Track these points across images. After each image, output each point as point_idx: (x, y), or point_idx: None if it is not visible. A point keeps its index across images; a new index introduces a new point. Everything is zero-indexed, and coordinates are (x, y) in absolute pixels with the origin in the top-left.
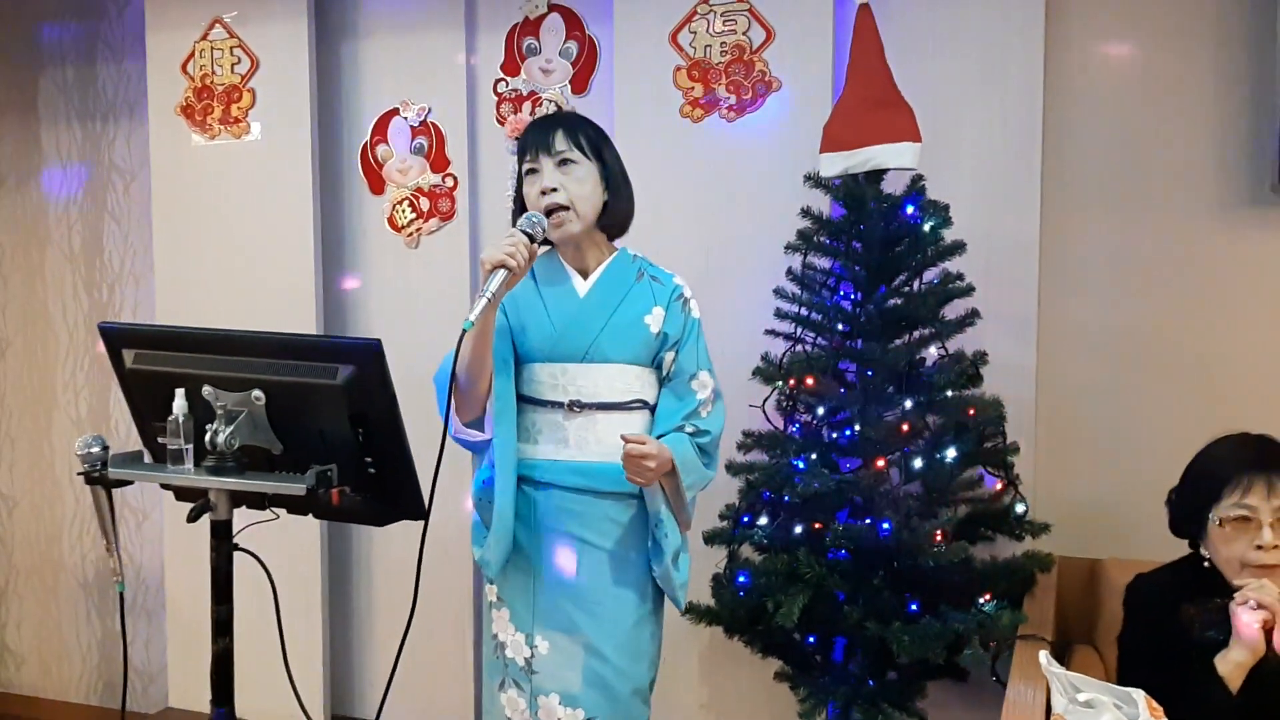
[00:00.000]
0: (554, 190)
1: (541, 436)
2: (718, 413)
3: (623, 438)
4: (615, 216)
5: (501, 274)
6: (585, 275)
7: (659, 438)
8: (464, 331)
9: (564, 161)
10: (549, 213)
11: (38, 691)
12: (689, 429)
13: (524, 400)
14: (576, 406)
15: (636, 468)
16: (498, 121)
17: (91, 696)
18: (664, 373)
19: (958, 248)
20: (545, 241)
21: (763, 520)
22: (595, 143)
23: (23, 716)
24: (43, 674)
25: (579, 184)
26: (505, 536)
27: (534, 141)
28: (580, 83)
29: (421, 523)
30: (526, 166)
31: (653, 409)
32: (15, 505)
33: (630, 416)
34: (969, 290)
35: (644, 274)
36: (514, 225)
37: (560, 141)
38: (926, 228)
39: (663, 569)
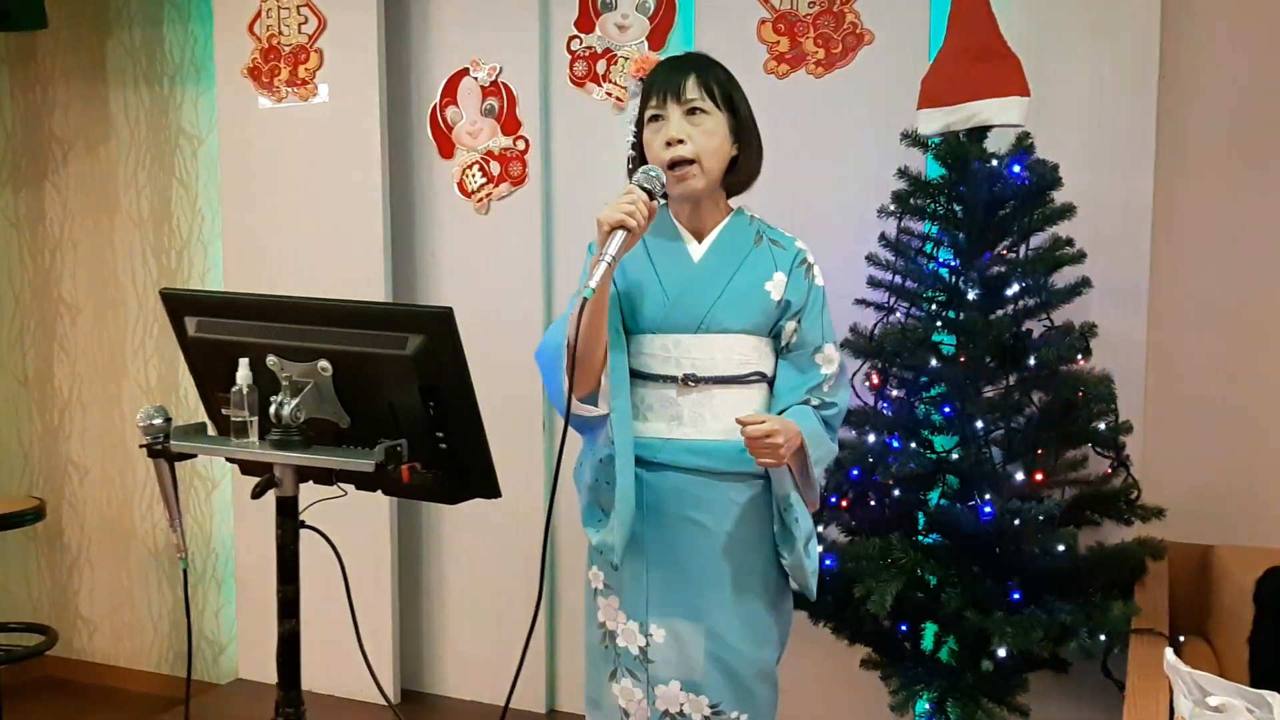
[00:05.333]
0: (680, 142)
1: (652, 413)
2: (842, 387)
3: (739, 421)
4: (742, 173)
5: (621, 235)
6: (700, 237)
7: (780, 412)
8: (584, 301)
9: (693, 110)
10: (672, 165)
11: (109, 659)
12: (814, 402)
13: (632, 375)
14: (691, 381)
15: (765, 449)
16: (571, 81)
17: (163, 665)
18: (782, 343)
19: (1067, 211)
20: (663, 196)
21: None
22: (727, 90)
23: (95, 684)
24: (115, 642)
25: (708, 137)
26: (629, 518)
27: (662, 85)
28: (658, 39)
29: (495, 498)
30: (651, 112)
31: (770, 382)
32: (86, 473)
33: (748, 390)
34: (1080, 256)
35: (763, 237)
36: (630, 178)
37: (692, 88)
38: (1034, 189)
39: (794, 557)
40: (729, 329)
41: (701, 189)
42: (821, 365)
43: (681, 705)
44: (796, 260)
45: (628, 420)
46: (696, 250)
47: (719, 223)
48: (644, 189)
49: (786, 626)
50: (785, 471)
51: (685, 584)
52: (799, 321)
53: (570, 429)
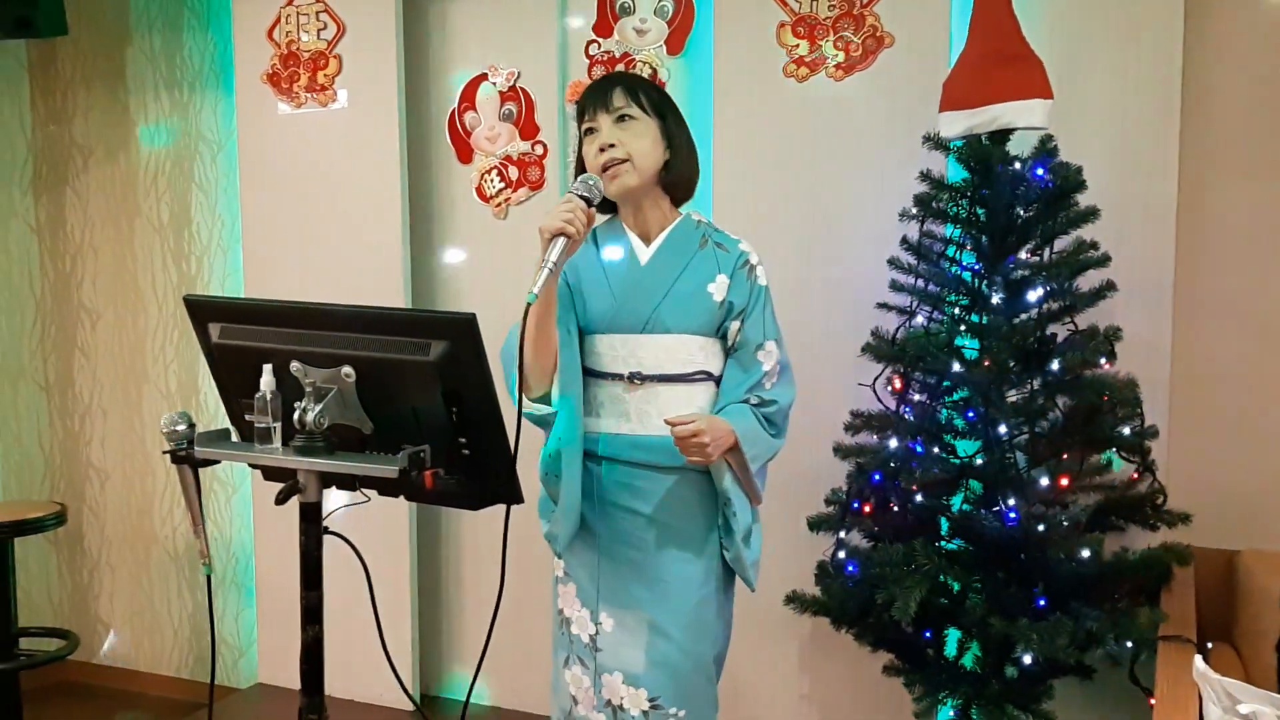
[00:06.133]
0: (612, 146)
1: (603, 410)
2: (785, 383)
3: (666, 421)
4: (677, 175)
5: (562, 242)
6: (648, 241)
7: (719, 411)
8: (528, 306)
9: (622, 118)
10: (606, 168)
11: (130, 663)
12: (753, 400)
13: (586, 372)
14: (637, 378)
15: (693, 448)
16: None
17: (183, 669)
18: (729, 343)
19: (1091, 214)
20: (608, 206)
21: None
22: (656, 101)
23: (115, 688)
24: (135, 646)
25: (637, 139)
26: (573, 511)
27: (591, 101)
28: (676, 43)
29: (518, 504)
30: (585, 127)
31: (718, 380)
32: (107, 478)
33: (693, 389)
34: (1104, 260)
35: (708, 240)
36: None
37: (618, 98)
38: (1058, 192)
39: (734, 551)
40: (672, 329)
41: (635, 185)
42: (763, 361)
43: (622, 699)
44: (739, 262)
45: (575, 418)
46: (644, 254)
47: (665, 227)
48: (582, 197)
49: (729, 618)
50: (722, 466)
51: (631, 574)
52: (742, 321)
53: (534, 425)
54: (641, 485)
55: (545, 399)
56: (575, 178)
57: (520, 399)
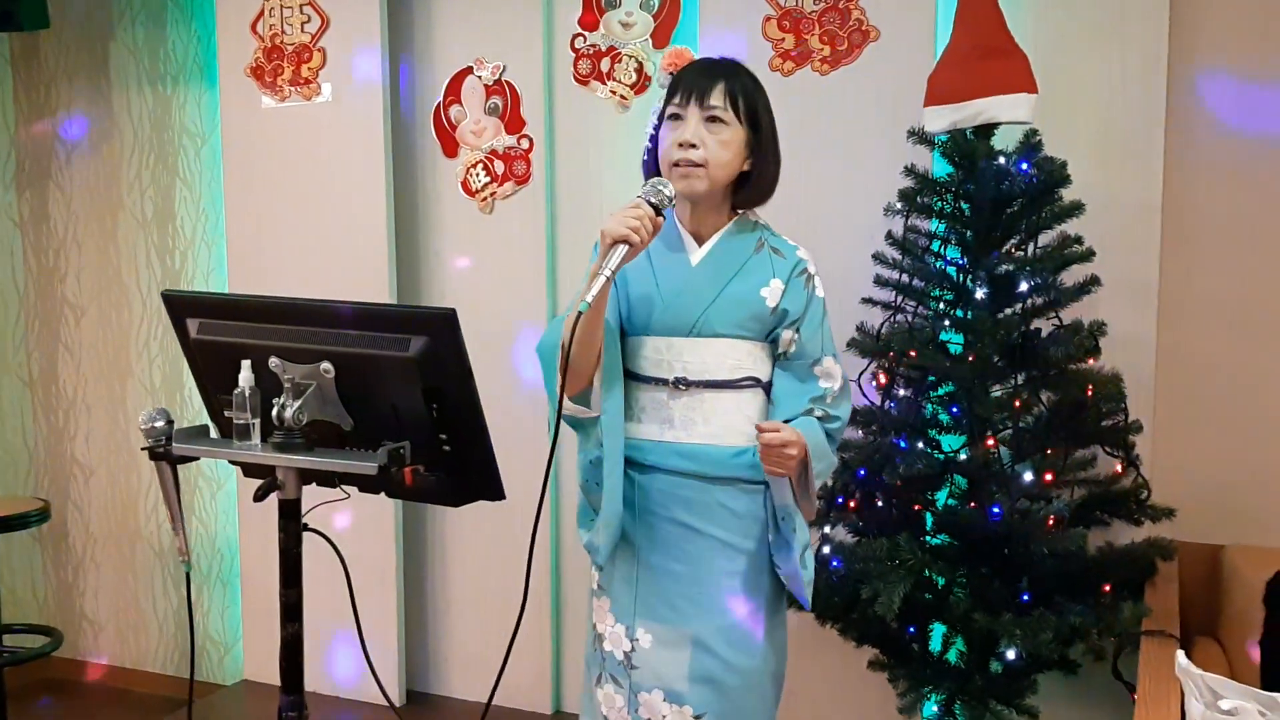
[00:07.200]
0: (693, 146)
1: (645, 415)
2: (846, 400)
3: (758, 427)
4: (754, 189)
5: (622, 249)
6: (700, 241)
7: (786, 422)
8: (579, 314)
9: (714, 119)
10: (678, 163)
11: (115, 660)
12: (818, 413)
13: (627, 375)
14: (682, 384)
15: (777, 458)
16: (575, 80)
17: (168, 666)
18: (780, 350)
19: (1076, 209)
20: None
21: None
22: (752, 104)
23: (100, 685)
24: (120, 642)
25: (723, 147)
26: (615, 520)
27: (688, 86)
28: (662, 36)
29: (499, 501)
30: (672, 110)
31: (766, 387)
32: (91, 474)
33: (741, 396)
34: (1089, 255)
35: (764, 244)
36: (644, 171)
37: (717, 96)
38: (1042, 187)
39: (790, 567)
40: (721, 333)
41: (702, 191)
42: (820, 378)
43: (664, 717)
44: (796, 270)
45: (619, 424)
46: (696, 254)
47: (720, 227)
48: (651, 203)
49: (781, 637)
50: (786, 482)
51: (673, 587)
52: (798, 331)
53: (565, 424)
54: (686, 495)
55: (583, 399)
56: (648, 152)
57: (562, 402)
